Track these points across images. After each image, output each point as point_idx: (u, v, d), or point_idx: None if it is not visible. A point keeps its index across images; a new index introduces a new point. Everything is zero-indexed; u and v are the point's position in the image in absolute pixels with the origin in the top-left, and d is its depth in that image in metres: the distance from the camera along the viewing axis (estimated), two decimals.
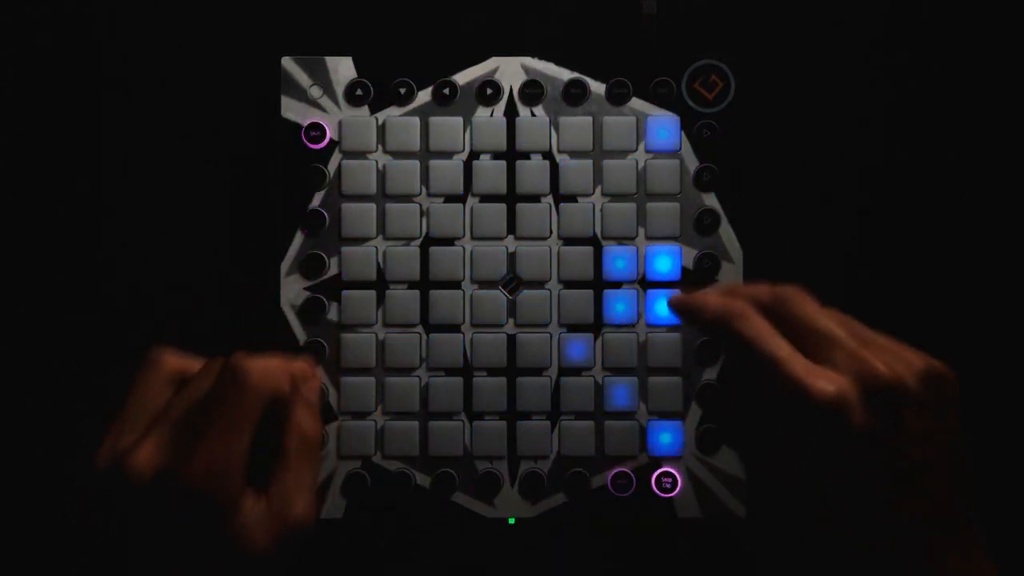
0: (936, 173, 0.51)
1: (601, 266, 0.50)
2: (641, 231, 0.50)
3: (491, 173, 0.50)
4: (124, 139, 0.51)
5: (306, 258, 0.50)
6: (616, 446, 0.49)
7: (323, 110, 0.50)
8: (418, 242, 0.50)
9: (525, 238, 0.50)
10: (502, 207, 0.50)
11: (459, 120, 0.50)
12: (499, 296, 0.50)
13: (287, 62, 0.50)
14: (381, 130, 0.50)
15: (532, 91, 0.50)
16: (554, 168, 0.50)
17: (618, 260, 0.50)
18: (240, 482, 0.37)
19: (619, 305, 0.50)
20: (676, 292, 0.49)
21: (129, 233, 0.51)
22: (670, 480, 0.49)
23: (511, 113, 0.50)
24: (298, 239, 0.50)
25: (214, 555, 0.37)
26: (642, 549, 0.50)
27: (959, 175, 0.51)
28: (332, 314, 0.50)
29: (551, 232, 0.50)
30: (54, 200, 0.51)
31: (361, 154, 0.50)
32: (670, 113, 0.50)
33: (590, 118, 0.50)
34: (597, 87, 0.50)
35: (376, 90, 0.50)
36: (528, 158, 0.50)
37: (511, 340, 0.50)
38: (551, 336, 0.50)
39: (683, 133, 0.50)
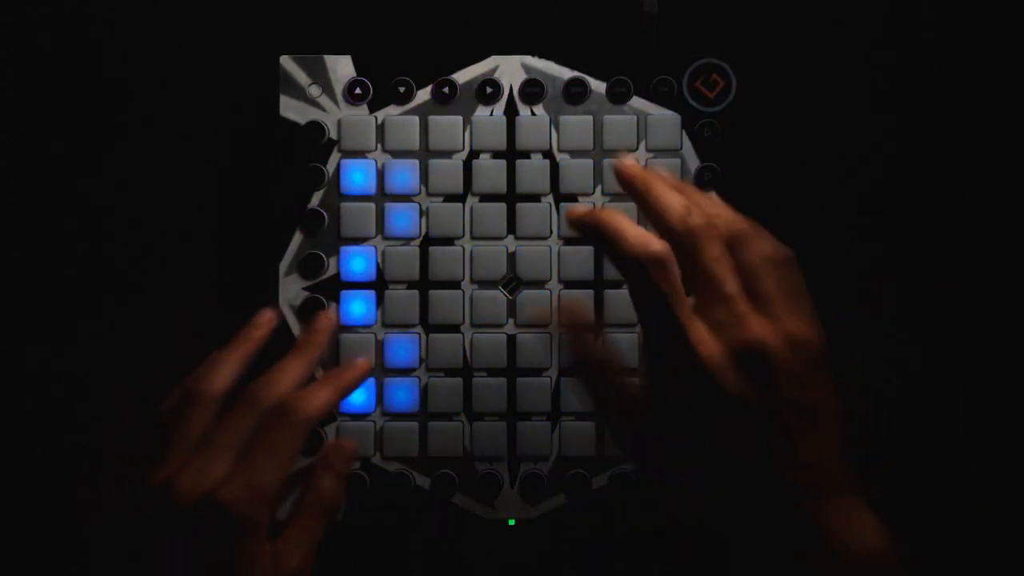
0: (936, 173, 0.51)
1: (601, 266, 0.50)
2: None
3: (491, 172, 0.50)
4: (123, 138, 0.51)
5: (305, 258, 0.49)
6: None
7: (322, 109, 0.50)
8: (417, 242, 0.50)
9: (525, 238, 0.50)
10: (502, 207, 0.50)
11: (459, 119, 0.50)
12: (499, 296, 0.50)
13: (286, 61, 0.50)
14: (380, 129, 0.50)
15: (532, 90, 0.50)
16: (554, 167, 0.50)
17: None
18: (269, 510, 0.38)
19: (619, 305, 0.49)
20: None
21: (128, 232, 0.51)
22: None
23: (511, 112, 0.50)
24: (297, 239, 0.50)
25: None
26: (642, 550, 0.50)
27: (959, 175, 0.51)
28: (331, 314, 0.49)
29: (551, 232, 0.50)
30: (54, 200, 0.51)
31: (360, 153, 0.50)
32: (671, 112, 0.50)
33: (590, 117, 0.50)
34: (598, 86, 0.50)
35: (375, 89, 0.50)
36: (528, 157, 0.50)
37: (511, 340, 0.49)
38: (551, 336, 0.49)
39: (684, 132, 0.50)
